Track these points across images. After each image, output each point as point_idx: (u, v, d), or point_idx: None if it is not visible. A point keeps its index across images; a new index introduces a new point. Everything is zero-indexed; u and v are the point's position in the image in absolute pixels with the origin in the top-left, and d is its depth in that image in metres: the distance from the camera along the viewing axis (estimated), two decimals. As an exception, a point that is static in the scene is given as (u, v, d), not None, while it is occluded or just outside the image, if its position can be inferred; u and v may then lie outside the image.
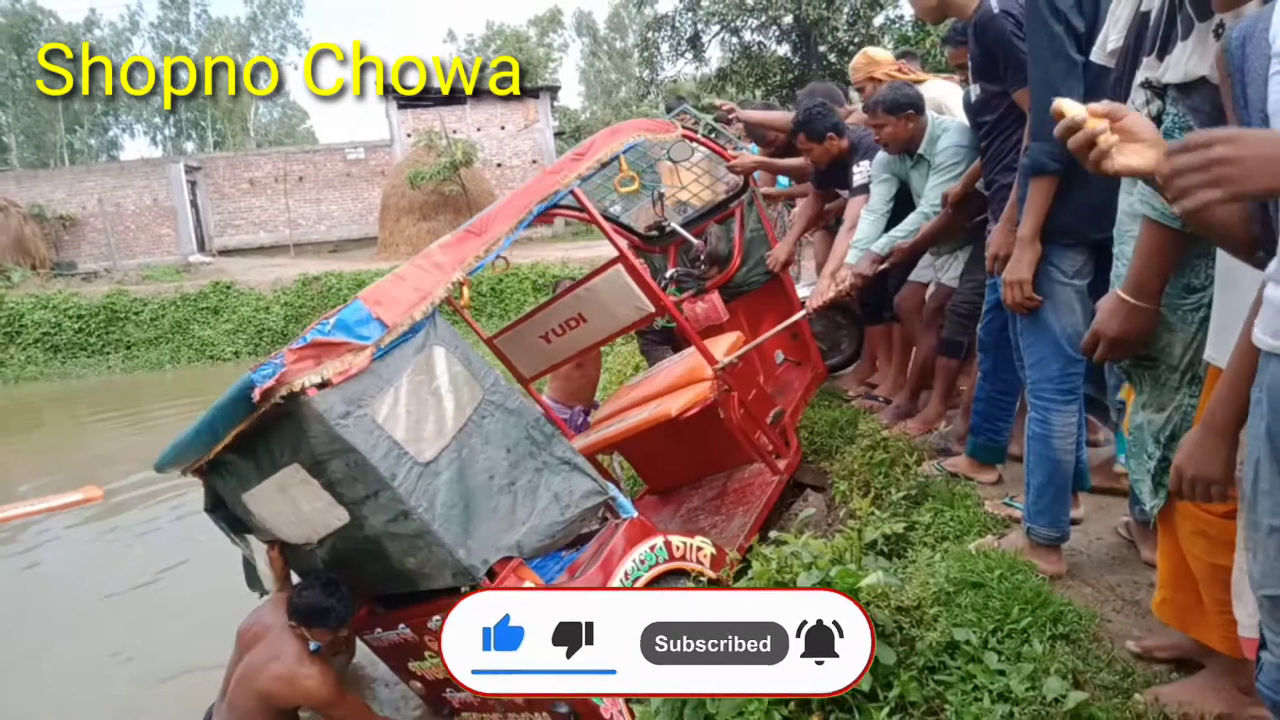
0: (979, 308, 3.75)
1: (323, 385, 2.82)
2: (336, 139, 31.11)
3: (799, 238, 5.67)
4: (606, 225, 4.32)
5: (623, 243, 4.41)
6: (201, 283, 18.98)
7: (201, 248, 24.29)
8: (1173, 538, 2.01)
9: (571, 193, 3.81)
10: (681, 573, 3.53)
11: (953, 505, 3.35)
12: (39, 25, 43.09)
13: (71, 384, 16.78)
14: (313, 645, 3.44)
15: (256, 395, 2.76)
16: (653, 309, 4.12)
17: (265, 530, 3.63)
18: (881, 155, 4.30)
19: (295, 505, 3.23)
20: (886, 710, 2.03)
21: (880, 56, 4.84)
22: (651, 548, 3.46)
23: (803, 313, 4.53)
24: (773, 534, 2.63)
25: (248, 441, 3.12)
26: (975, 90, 3.13)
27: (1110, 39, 2.04)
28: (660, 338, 6.05)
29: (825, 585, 2.20)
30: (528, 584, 3.08)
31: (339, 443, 2.86)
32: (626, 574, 3.33)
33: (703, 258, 5.60)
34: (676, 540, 3.57)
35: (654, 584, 3.41)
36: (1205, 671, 2.06)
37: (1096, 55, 2.12)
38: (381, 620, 3.56)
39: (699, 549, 3.63)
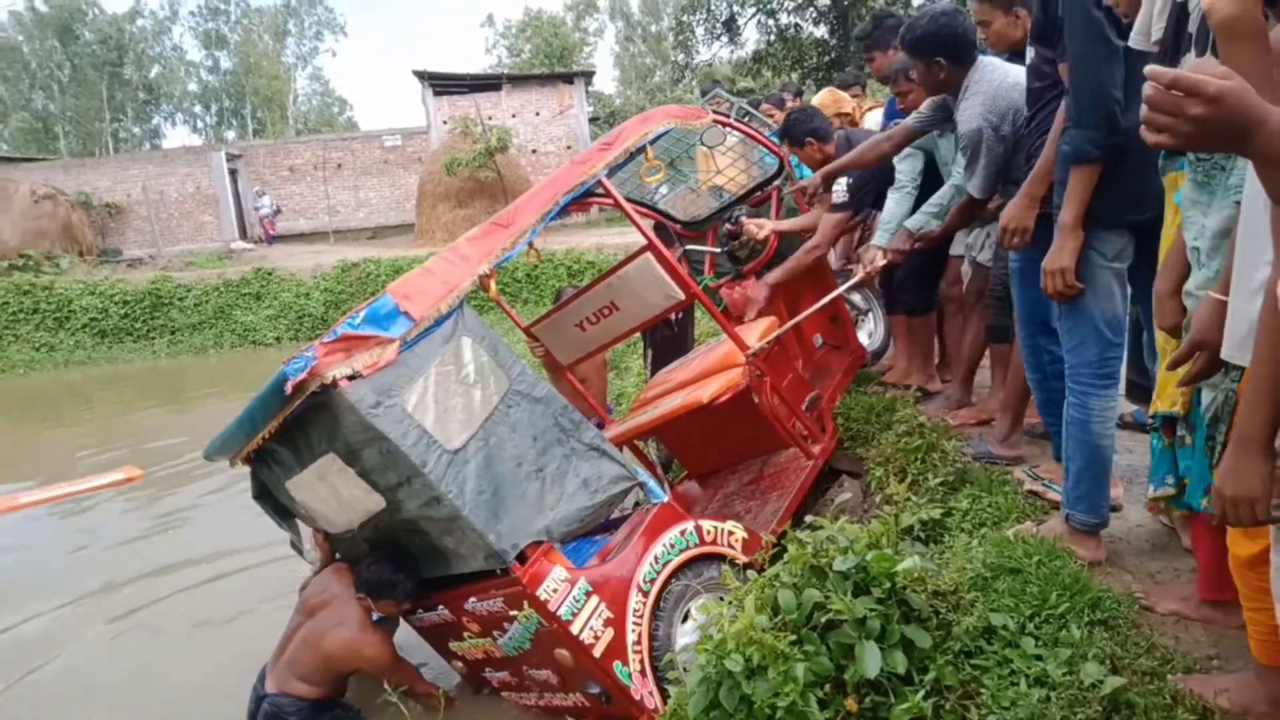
0: None
1: (354, 377, 2.89)
2: (375, 127, 31.27)
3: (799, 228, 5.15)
4: (633, 213, 4.30)
5: (651, 230, 4.38)
6: (243, 269, 19.32)
7: (243, 235, 24.66)
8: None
9: (599, 182, 3.82)
10: (715, 557, 3.54)
11: (991, 491, 3.31)
12: (84, 15, 43.89)
13: (119, 368, 17.17)
14: (376, 616, 3.63)
15: (289, 388, 2.88)
16: (682, 296, 4.12)
17: (308, 518, 3.76)
18: None
19: (335, 491, 3.34)
20: (922, 693, 2.02)
21: (842, 95, 6.08)
22: (682, 532, 3.47)
23: (831, 296, 4.49)
24: (808, 519, 2.63)
25: (289, 431, 3.22)
26: (1030, 53, 2.89)
27: (1154, 28, 1.95)
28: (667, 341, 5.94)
29: (861, 569, 2.21)
30: (558, 568, 3.13)
31: (371, 431, 2.94)
32: (656, 558, 3.35)
33: (738, 240, 5.56)
34: (707, 525, 3.58)
35: (685, 568, 3.43)
36: (1250, 671, 1.99)
37: (1140, 43, 2.02)
38: (422, 601, 3.63)
39: (730, 533, 3.64)
